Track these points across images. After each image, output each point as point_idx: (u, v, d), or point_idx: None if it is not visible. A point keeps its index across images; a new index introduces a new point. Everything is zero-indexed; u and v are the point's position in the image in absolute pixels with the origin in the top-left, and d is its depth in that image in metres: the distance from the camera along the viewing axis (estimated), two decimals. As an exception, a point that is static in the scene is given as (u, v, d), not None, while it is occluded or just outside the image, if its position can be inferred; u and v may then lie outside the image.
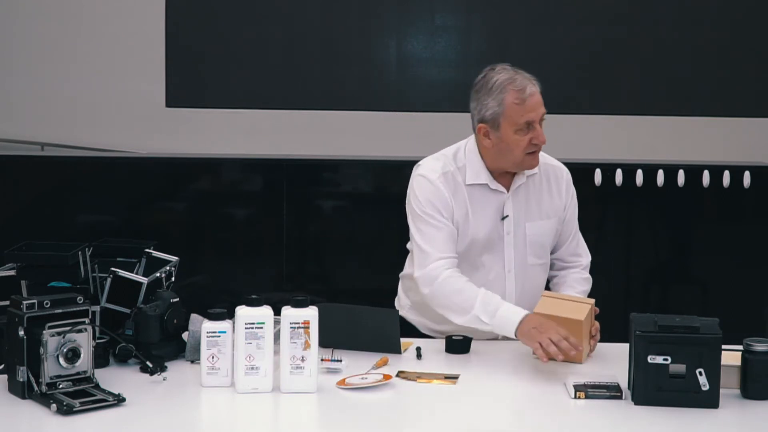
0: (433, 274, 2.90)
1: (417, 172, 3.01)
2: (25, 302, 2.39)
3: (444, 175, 2.95)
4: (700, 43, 5.85)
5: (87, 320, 2.44)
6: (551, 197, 3.05)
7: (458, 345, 2.86)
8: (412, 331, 3.09)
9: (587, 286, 3.14)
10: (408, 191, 3.03)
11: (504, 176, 2.98)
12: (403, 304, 3.18)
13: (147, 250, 2.99)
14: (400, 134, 5.77)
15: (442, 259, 2.91)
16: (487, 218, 2.97)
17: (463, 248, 2.97)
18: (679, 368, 2.42)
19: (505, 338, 3.01)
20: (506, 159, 2.92)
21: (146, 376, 2.56)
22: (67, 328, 2.40)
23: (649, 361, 2.42)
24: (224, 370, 2.50)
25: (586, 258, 3.17)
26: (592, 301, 2.86)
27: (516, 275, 3.01)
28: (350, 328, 2.83)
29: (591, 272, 3.18)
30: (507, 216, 2.98)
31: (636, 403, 2.44)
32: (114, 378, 2.53)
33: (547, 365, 2.70)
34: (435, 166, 2.98)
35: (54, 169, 4.70)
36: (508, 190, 2.99)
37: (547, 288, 3.11)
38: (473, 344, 2.88)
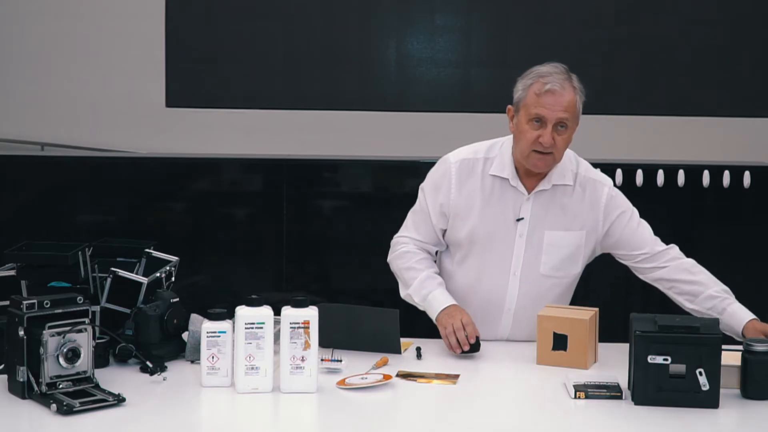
0: (395, 245, 3.10)
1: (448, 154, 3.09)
2: (25, 302, 2.39)
3: (463, 161, 2.99)
4: (700, 43, 5.85)
5: (87, 320, 2.44)
6: (582, 211, 2.98)
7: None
8: (414, 330, 3.10)
9: (717, 282, 2.98)
10: None
11: (530, 178, 2.96)
12: None
13: (147, 250, 2.99)
14: (400, 134, 5.77)
15: (410, 239, 3.07)
16: (500, 214, 2.95)
17: (464, 236, 2.98)
18: (679, 368, 2.42)
19: (507, 339, 3.03)
20: (517, 148, 2.93)
21: (146, 376, 2.56)
22: (67, 328, 2.40)
23: (649, 361, 2.42)
24: (224, 370, 2.50)
25: (673, 248, 3.03)
26: (596, 309, 2.85)
27: (522, 280, 2.98)
28: (350, 328, 2.83)
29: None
30: (522, 218, 2.95)
31: (636, 403, 2.44)
32: (114, 378, 2.53)
33: (548, 367, 2.71)
34: (463, 152, 3.03)
35: (54, 169, 4.69)
36: (530, 193, 2.97)
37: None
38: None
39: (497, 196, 2.96)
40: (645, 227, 3.04)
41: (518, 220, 2.95)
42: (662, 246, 3.02)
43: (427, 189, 3.05)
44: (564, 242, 2.97)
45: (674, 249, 3.02)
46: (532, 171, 2.93)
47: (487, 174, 2.97)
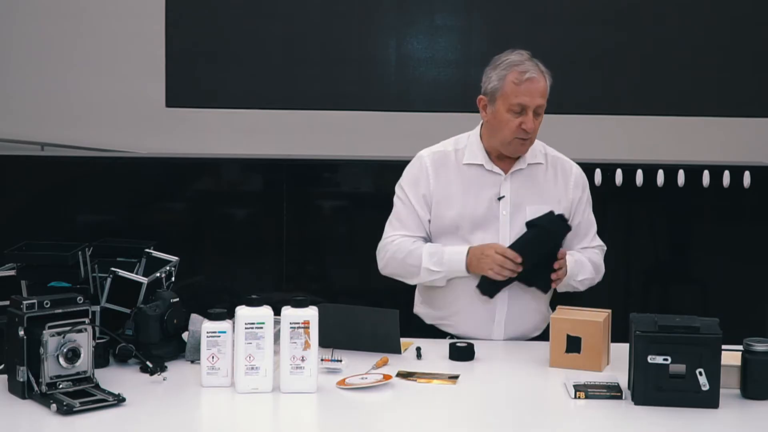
0: (385, 247, 3.07)
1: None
2: (25, 302, 2.40)
3: (436, 153, 3.09)
4: (700, 43, 5.85)
5: (87, 320, 2.44)
6: (556, 187, 3.08)
7: (462, 352, 2.81)
8: (416, 328, 3.09)
9: (594, 256, 3.11)
10: None
11: (504, 161, 3.05)
12: (417, 300, 3.21)
13: (147, 250, 2.99)
14: (400, 134, 5.76)
15: (399, 235, 3.05)
16: (481, 197, 3.01)
17: (447, 223, 3.02)
18: (679, 368, 2.42)
19: (504, 339, 3.03)
20: (496, 137, 3.01)
21: (146, 376, 2.56)
22: (67, 328, 2.40)
23: (649, 361, 2.42)
24: (224, 370, 2.50)
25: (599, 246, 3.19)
26: (609, 311, 2.84)
27: None
28: (350, 328, 2.83)
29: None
30: (503, 197, 3.02)
31: (636, 403, 2.44)
32: (114, 378, 2.53)
33: (547, 367, 2.72)
34: (432, 148, 3.12)
35: (54, 169, 4.70)
36: (506, 174, 3.05)
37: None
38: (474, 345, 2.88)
39: (475, 182, 3.04)
40: (592, 221, 3.15)
41: (499, 198, 3.02)
42: (596, 243, 3.15)
43: (405, 185, 3.10)
44: None
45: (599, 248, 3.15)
46: (504, 155, 3.02)
47: (461, 164, 3.05)
